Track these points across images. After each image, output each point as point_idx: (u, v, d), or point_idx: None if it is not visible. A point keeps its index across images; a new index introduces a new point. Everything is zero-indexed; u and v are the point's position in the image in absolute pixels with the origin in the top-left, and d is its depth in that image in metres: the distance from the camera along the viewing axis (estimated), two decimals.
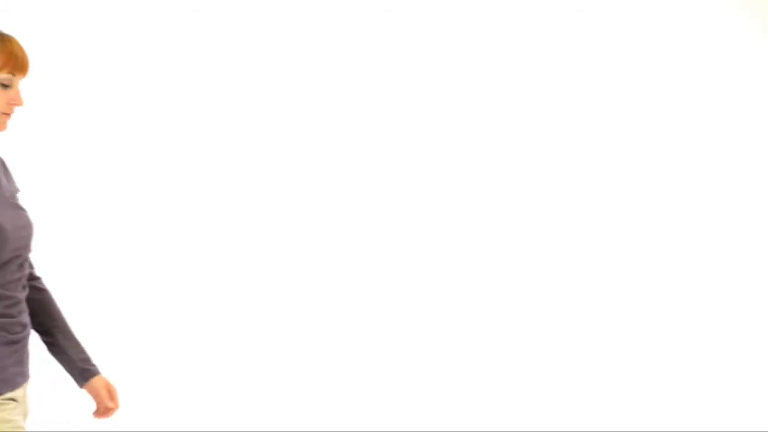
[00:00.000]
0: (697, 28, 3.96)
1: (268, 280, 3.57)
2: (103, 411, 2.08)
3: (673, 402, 3.42)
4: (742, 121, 3.98)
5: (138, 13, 3.48)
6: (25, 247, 1.88)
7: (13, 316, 1.83)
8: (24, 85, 1.90)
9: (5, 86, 1.79)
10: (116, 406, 2.08)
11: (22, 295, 1.88)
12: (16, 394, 1.82)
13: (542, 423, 3.33)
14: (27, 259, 1.91)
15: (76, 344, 2.10)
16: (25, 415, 1.92)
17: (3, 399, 1.78)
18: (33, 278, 2.03)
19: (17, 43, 1.80)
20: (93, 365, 2.08)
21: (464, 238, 3.64)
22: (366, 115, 3.58)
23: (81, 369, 2.06)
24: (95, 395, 2.06)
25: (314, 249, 3.60)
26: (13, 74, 1.79)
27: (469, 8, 3.75)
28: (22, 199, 2.02)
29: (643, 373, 3.63)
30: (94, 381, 2.06)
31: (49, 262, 3.21)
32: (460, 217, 3.64)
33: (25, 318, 1.89)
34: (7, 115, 1.84)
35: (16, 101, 1.83)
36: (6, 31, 1.83)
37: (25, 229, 1.88)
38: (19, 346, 1.84)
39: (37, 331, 2.04)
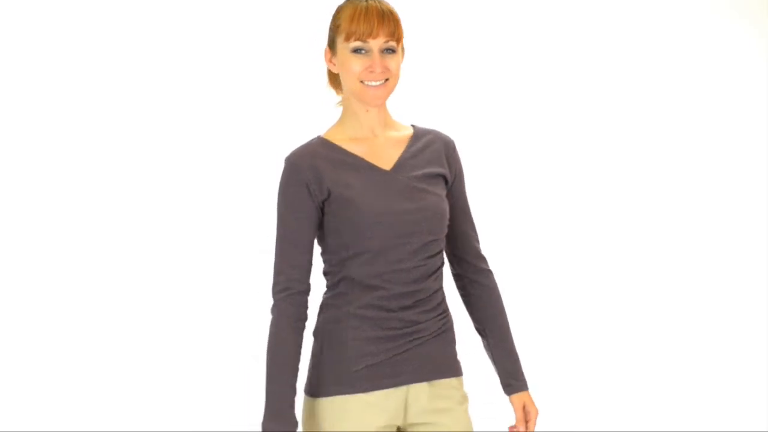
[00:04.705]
0: (697, 28, 3.96)
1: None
2: (514, 429, 1.90)
3: (673, 402, 3.42)
4: (741, 121, 3.98)
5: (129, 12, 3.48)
6: (419, 233, 1.68)
7: (389, 310, 1.67)
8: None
9: (359, 52, 1.66)
10: (527, 431, 1.88)
11: (416, 287, 1.68)
12: (374, 396, 1.67)
13: (543, 423, 3.32)
14: (428, 247, 1.70)
15: (507, 353, 1.89)
16: (425, 414, 1.73)
17: (354, 400, 1.66)
18: (477, 271, 1.86)
19: (370, 6, 1.65)
20: (518, 380, 1.88)
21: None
22: None
23: (505, 383, 1.89)
24: (515, 410, 1.89)
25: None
26: (364, 40, 1.65)
27: (469, 8, 3.75)
28: None
29: (645, 374, 3.63)
30: (514, 398, 1.88)
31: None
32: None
33: (420, 315, 1.69)
34: (372, 85, 1.67)
35: (373, 68, 1.66)
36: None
37: (416, 213, 1.68)
38: (393, 344, 1.68)
39: (474, 328, 1.90)
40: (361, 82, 1.68)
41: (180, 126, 3.52)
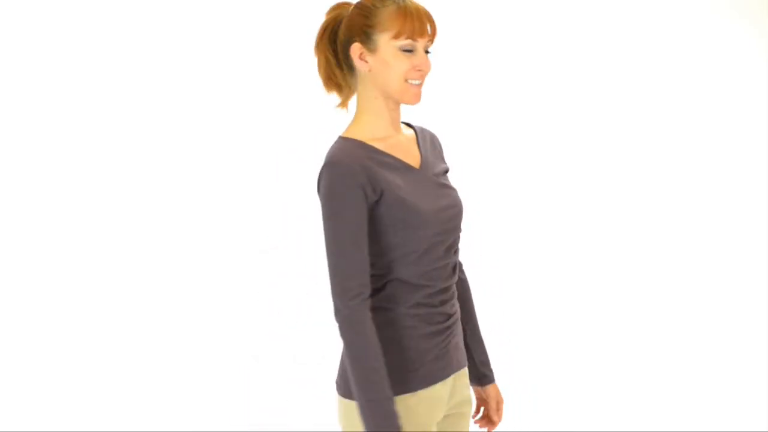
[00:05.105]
0: (697, 28, 3.96)
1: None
2: (486, 421, 1.97)
3: (673, 402, 3.42)
4: (741, 121, 3.99)
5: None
6: (453, 229, 1.73)
7: (433, 306, 1.71)
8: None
9: (408, 51, 1.65)
10: (499, 420, 1.95)
11: (450, 282, 1.74)
12: (435, 389, 1.72)
13: (543, 423, 3.32)
14: (456, 242, 1.75)
15: (481, 344, 1.96)
16: (458, 404, 1.81)
17: (419, 396, 1.69)
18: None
19: (414, 5, 1.65)
20: (491, 371, 1.96)
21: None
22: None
23: (481, 373, 1.94)
24: (484, 402, 1.96)
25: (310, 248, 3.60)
26: (414, 39, 1.65)
27: (469, 8, 3.75)
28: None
29: (645, 374, 3.63)
30: (489, 388, 1.95)
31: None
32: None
33: (451, 307, 1.76)
34: (415, 84, 1.67)
35: (422, 67, 1.67)
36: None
37: (449, 210, 1.72)
38: (441, 338, 1.73)
39: None
40: (405, 80, 1.67)
41: (180, 127, 3.53)
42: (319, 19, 1.77)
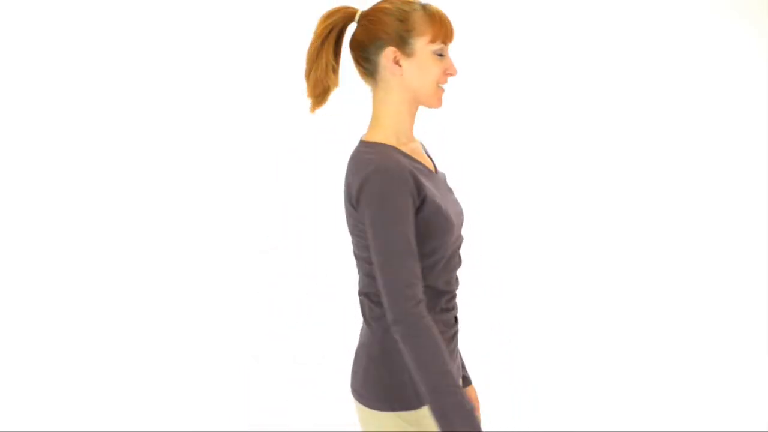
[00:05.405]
0: (697, 28, 3.96)
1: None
2: None
3: (673, 402, 3.42)
4: (741, 120, 3.99)
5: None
6: (462, 235, 1.75)
7: (450, 311, 1.73)
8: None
9: (441, 56, 1.65)
10: None
11: (458, 286, 1.76)
12: None
13: (543, 423, 3.32)
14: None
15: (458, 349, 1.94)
16: None
17: None
18: None
19: (438, 9, 1.66)
20: (468, 373, 1.96)
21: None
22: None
23: (462, 375, 1.93)
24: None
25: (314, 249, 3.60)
26: (445, 43, 1.65)
27: (469, 8, 3.75)
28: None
29: (644, 374, 3.63)
30: (469, 390, 1.95)
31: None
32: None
33: (457, 311, 1.78)
34: (442, 88, 1.69)
35: (452, 71, 1.68)
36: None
37: (462, 215, 1.74)
38: (453, 342, 1.75)
39: None
40: (437, 85, 1.67)
41: (180, 127, 3.53)
42: (317, 20, 1.74)
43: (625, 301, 3.84)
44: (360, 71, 1.71)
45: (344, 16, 1.69)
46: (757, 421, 3.27)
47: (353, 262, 1.81)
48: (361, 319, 1.78)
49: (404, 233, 1.56)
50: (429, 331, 1.54)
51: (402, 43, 1.64)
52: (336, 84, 1.71)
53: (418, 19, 1.63)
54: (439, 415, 1.53)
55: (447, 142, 3.59)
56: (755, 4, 3.99)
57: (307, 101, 1.71)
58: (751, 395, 3.44)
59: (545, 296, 3.80)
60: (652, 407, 3.39)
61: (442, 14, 1.65)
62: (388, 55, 1.65)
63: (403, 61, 1.65)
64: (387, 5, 1.66)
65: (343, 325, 3.46)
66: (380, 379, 1.67)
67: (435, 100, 1.68)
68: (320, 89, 1.69)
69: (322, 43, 1.69)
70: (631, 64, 3.92)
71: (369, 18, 1.67)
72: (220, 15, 3.55)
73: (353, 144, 3.05)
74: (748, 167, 3.98)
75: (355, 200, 1.59)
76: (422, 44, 1.64)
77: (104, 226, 3.45)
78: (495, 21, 3.81)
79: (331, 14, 1.69)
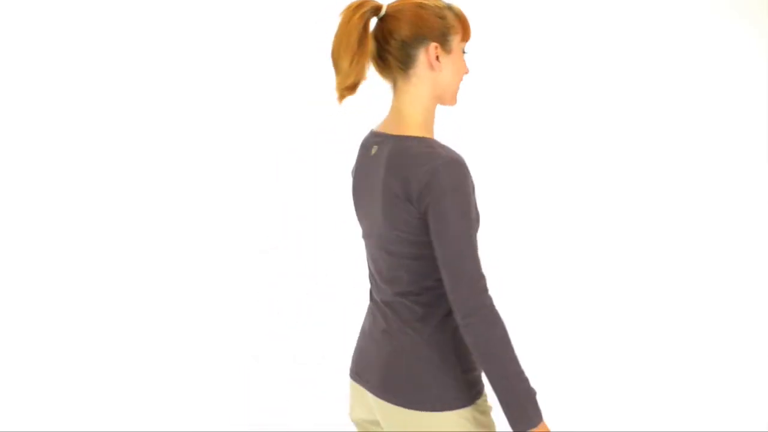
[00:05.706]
0: (697, 28, 3.96)
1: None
2: None
3: (673, 402, 3.42)
4: (741, 120, 3.99)
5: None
6: None
7: None
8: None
9: (464, 53, 1.70)
10: None
11: None
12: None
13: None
14: None
15: None
16: None
17: (483, 399, 1.69)
18: None
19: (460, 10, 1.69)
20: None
21: None
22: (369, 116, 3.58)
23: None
24: None
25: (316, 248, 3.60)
26: (466, 42, 1.69)
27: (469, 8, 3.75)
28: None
29: (645, 373, 3.63)
30: None
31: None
32: None
33: None
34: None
35: (467, 70, 1.72)
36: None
37: None
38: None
39: None
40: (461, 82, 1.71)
41: (181, 128, 3.53)
42: (319, 20, 1.75)
43: (626, 301, 3.84)
44: (382, 65, 1.67)
45: (373, 9, 1.63)
46: (757, 421, 3.26)
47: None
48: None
49: (474, 225, 1.60)
50: (502, 321, 1.59)
51: (443, 40, 1.65)
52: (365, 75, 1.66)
53: (452, 17, 1.66)
54: (510, 401, 1.56)
55: (446, 142, 3.59)
56: (755, 4, 3.99)
57: (340, 94, 1.65)
58: (751, 395, 3.44)
59: (545, 296, 3.80)
60: (652, 407, 3.38)
61: (463, 15, 1.68)
62: (430, 50, 1.65)
63: (443, 58, 1.66)
64: (423, 1, 1.65)
65: (343, 325, 3.46)
66: (451, 376, 1.65)
67: (455, 96, 1.71)
68: (357, 80, 1.63)
69: (365, 30, 1.62)
70: (631, 64, 3.92)
71: (406, 13, 1.64)
72: (220, 15, 3.55)
73: (353, 144, 3.06)
74: (748, 167, 3.98)
75: (417, 193, 1.58)
76: (457, 41, 1.67)
77: (104, 226, 3.45)
78: (495, 21, 3.81)
79: (360, 5, 1.62)
